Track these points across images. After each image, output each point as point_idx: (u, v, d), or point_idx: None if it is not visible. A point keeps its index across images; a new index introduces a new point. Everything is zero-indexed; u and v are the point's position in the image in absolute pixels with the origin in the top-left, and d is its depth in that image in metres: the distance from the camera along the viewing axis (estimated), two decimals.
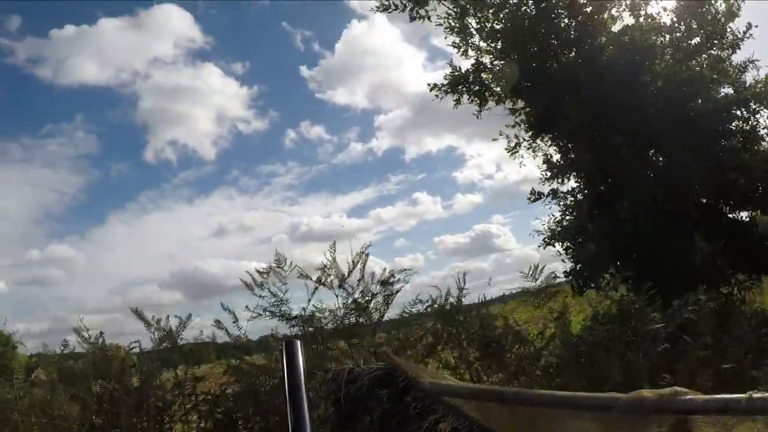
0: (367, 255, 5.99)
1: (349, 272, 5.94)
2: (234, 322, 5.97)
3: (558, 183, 10.34)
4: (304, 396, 1.18)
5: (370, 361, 4.37)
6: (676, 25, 10.22)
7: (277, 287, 5.82)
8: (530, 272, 5.99)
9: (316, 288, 5.93)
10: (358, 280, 5.90)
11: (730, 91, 10.52)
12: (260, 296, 5.96)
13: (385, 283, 5.98)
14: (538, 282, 6.25)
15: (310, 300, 5.87)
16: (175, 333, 5.95)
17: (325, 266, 5.95)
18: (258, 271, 5.91)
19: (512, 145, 10.79)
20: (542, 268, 6.19)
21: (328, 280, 5.94)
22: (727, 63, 10.48)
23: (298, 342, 1.21)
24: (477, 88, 10.26)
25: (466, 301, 6.84)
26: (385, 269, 6.05)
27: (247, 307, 6.06)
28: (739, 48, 10.31)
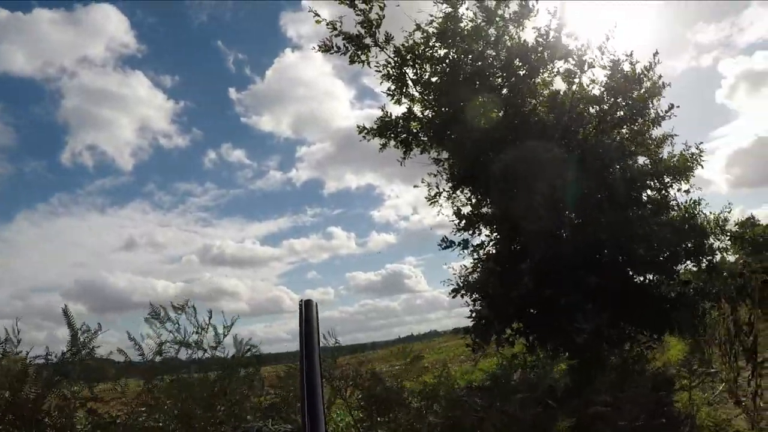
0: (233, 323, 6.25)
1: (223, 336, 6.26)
2: (138, 350, 6.01)
3: (469, 234, 10.78)
4: (318, 361, 1.17)
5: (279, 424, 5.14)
6: (605, 98, 10.78)
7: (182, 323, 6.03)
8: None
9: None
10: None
11: (646, 162, 11.17)
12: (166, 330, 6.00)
13: (245, 352, 6.40)
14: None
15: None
16: (83, 344, 5.78)
17: (202, 327, 6.26)
18: (174, 307, 6.02)
19: (432, 193, 11.21)
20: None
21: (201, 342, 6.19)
22: (647, 135, 11.12)
23: (315, 302, 1.20)
24: (404, 135, 10.65)
25: (376, 336, 7.24)
26: (243, 340, 6.37)
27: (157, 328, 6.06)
28: (659, 125, 10.98)
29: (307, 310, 1.21)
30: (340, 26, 10.54)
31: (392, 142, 10.71)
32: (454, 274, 10.62)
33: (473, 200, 10.76)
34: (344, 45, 10.53)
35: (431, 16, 10.90)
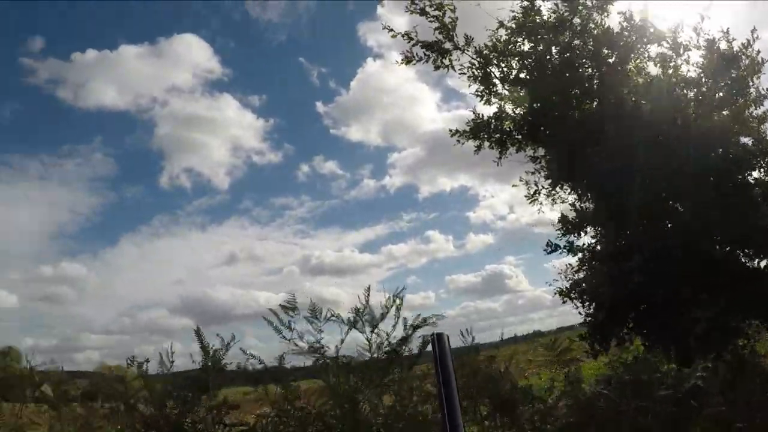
0: (401, 299, 5.99)
1: (383, 316, 6.03)
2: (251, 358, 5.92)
3: (575, 237, 10.49)
4: (455, 386, 1.25)
5: None
6: (702, 80, 10.33)
7: (310, 331, 5.92)
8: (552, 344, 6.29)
9: (349, 330, 5.99)
10: (393, 326, 6.02)
11: (750, 142, 10.62)
12: (288, 338, 5.94)
13: (416, 327, 6.06)
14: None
15: (342, 340, 5.94)
16: (218, 355, 5.86)
17: (359, 309, 6.01)
18: (283, 307, 5.94)
19: (531, 192, 11.01)
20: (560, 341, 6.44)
21: (360, 324, 6.02)
22: (748, 115, 10.58)
23: (446, 335, 1.27)
24: (498, 135, 10.50)
25: (479, 339, 7.09)
26: (418, 315, 6.08)
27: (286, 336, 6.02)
28: (762, 104, 10.42)
29: (439, 342, 1.32)
30: (416, 36, 10.52)
31: (486, 143, 10.58)
32: (560, 273, 10.37)
33: (574, 196, 10.48)
34: (425, 53, 10.51)
35: (512, 11, 10.76)
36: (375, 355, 5.91)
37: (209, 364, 5.84)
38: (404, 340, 6.27)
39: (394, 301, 6.20)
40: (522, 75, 10.44)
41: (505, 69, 10.45)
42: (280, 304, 6.23)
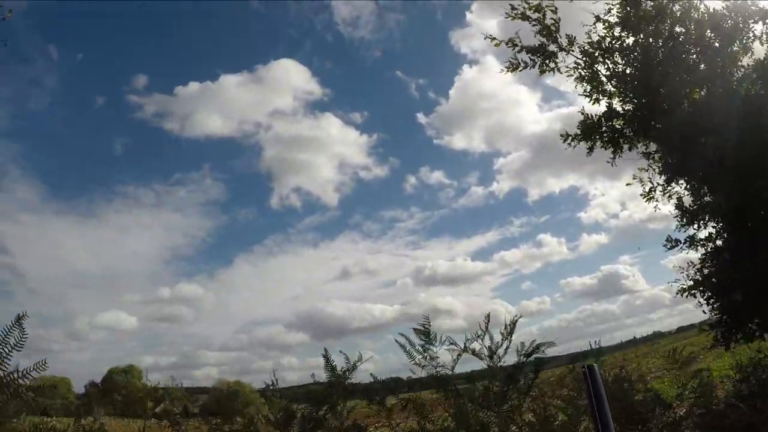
0: (515, 323, 6.04)
1: (502, 342, 6.03)
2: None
3: (694, 229, 10.52)
4: (609, 414, 1.30)
5: None
6: None
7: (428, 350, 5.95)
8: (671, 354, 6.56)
9: (459, 355, 6.02)
10: (504, 350, 6.04)
11: None
12: (422, 366, 5.97)
13: (529, 354, 6.08)
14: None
15: (454, 366, 6.02)
16: (346, 375, 5.93)
17: (478, 335, 6.03)
18: (416, 330, 5.98)
19: (647, 189, 11.06)
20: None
21: (477, 349, 6.03)
22: None
23: (596, 365, 1.37)
24: (609, 134, 10.57)
25: (584, 346, 7.14)
26: (533, 341, 6.09)
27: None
28: None
29: (591, 374, 1.42)
30: (520, 42, 10.59)
31: (599, 143, 10.70)
32: (683, 273, 10.44)
33: (691, 191, 10.53)
34: (530, 59, 10.58)
35: (607, 4, 10.68)
36: (491, 383, 6.06)
37: (335, 381, 5.89)
38: (520, 366, 6.08)
39: (512, 328, 6.03)
40: (628, 70, 10.43)
41: (611, 65, 10.46)
42: (413, 328, 6.00)
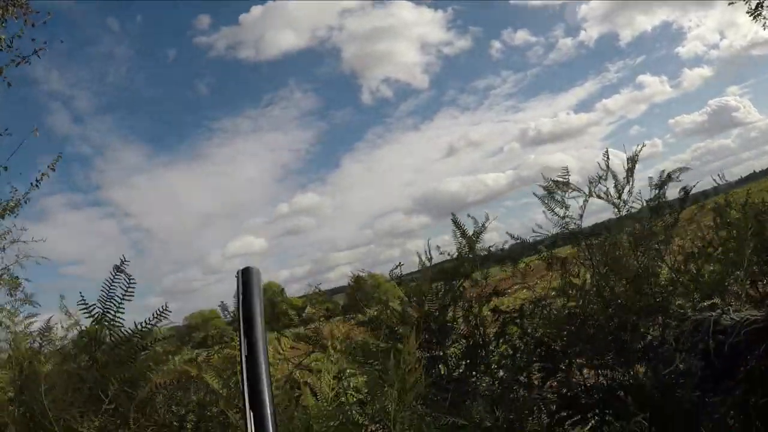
0: (635, 159, 5.48)
1: (627, 178, 5.44)
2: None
3: None
4: (263, 336, 0.95)
5: (740, 308, 3.90)
6: None
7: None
8: None
9: (586, 201, 5.54)
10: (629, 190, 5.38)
11: None
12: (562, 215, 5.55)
13: (661, 186, 5.30)
14: None
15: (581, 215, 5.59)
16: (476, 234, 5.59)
17: (600, 176, 5.58)
18: (556, 183, 5.17)
19: (753, 5, 9.73)
20: None
21: (604, 191, 5.54)
22: None
23: (254, 269, 0.99)
24: None
25: (704, 185, 6.29)
26: (662, 171, 5.34)
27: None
28: None
29: (246, 280, 1.00)
30: None
31: None
32: None
33: None
34: None
35: None
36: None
37: (466, 248, 5.36)
38: (656, 198, 5.56)
39: (633, 162, 5.50)
40: None
41: None
42: (553, 180, 5.52)
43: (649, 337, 4.29)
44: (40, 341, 3.15)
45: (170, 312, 2.76)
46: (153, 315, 2.78)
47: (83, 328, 3.01)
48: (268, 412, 0.87)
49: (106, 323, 2.83)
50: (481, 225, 5.42)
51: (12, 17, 6.69)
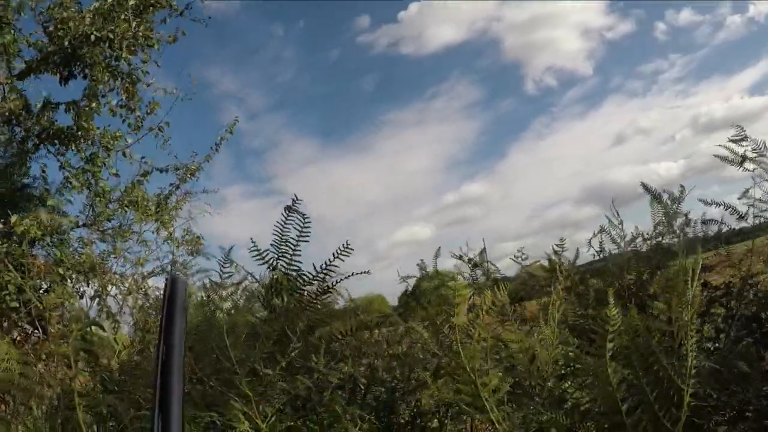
0: None
1: None
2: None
3: None
4: (180, 346, 0.96)
5: None
6: None
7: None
8: None
9: None
10: None
11: None
12: None
13: None
14: None
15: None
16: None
17: None
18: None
19: None
20: None
21: None
22: None
23: (180, 279, 1.02)
24: None
25: None
26: None
27: None
28: None
29: (172, 289, 1.00)
30: None
31: None
32: None
33: None
34: None
35: None
36: None
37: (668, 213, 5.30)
38: None
39: None
40: None
41: None
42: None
43: None
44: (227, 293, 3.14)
45: (352, 250, 2.51)
46: (334, 254, 2.55)
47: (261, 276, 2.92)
48: (176, 415, 0.92)
49: (283, 268, 2.68)
50: (679, 195, 4.97)
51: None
